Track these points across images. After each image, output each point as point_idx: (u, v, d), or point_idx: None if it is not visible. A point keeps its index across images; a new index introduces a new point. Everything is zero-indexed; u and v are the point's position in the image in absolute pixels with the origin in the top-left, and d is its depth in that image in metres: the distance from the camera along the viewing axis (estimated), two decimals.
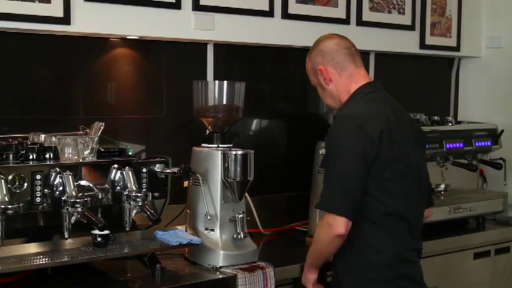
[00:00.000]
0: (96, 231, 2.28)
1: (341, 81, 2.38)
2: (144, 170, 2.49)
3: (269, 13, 3.23)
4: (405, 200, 2.28)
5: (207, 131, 2.66)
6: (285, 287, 2.60)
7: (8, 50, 2.69)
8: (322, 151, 2.75)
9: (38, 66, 2.77)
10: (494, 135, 3.63)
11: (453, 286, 3.21)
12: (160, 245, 2.45)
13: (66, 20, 2.64)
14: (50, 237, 2.32)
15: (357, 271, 2.29)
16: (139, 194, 2.36)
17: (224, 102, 2.64)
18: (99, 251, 2.28)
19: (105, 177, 2.40)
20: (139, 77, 3.03)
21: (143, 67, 3.04)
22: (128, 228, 2.40)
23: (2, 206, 2.07)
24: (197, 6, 2.98)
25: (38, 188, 2.22)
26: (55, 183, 2.25)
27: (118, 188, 2.39)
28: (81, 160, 2.37)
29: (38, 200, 2.23)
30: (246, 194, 2.64)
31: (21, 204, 2.12)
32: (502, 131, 3.64)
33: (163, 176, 2.53)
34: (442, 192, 3.43)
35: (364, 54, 3.61)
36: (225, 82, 2.65)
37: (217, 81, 2.66)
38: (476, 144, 3.54)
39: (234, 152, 2.52)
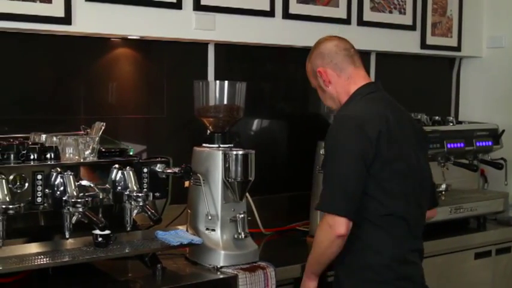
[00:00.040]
0: (97, 231, 2.28)
1: (340, 83, 2.38)
2: (145, 170, 2.48)
3: (270, 13, 3.22)
4: (405, 200, 2.27)
5: (208, 131, 2.66)
6: (285, 287, 2.60)
7: (9, 50, 2.69)
8: (323, 151, 2.75)
9: (39, 66, 2.77)
10: (495, 135, 3.63)
11: (454, 286, 3.21)
12: (161, 245, 2.44)
13: (67, 20, 2.64)
14: (51, 237, 2.32)
15: (357, 272, 2.28)
16: (140, 194, 2.36)
17: (225, 102, 2.64)
18: (100, 251, 2.28)
19: (106, 177, 2.39)
20: (140, 77, 3.03)
21: (144, 67, 3.04)
22: (128, 228, 2.41)
23: (3, 206, 2.06)
24: (198, 6, 2.98)
25: (39, 188, 2.22)
26: (56, 183, 2.25)
27: (119, 188, 2.39)
28: (82, 160, 2.37)
29: (39, 200, 2.22)
30: (247, 194, 2.64)
31: (22, 204, 2.11)
32: (503, 131, 3.64)
33: (164, 176, 2.53)
34: (443, 192, 3.43)
35: (365, 54, 3.61)
36: (226, 82, 2.65)
37: (218, 81, 2.67)
38: (477, 144, 3.54)
39: (234, 152, 2.52)
